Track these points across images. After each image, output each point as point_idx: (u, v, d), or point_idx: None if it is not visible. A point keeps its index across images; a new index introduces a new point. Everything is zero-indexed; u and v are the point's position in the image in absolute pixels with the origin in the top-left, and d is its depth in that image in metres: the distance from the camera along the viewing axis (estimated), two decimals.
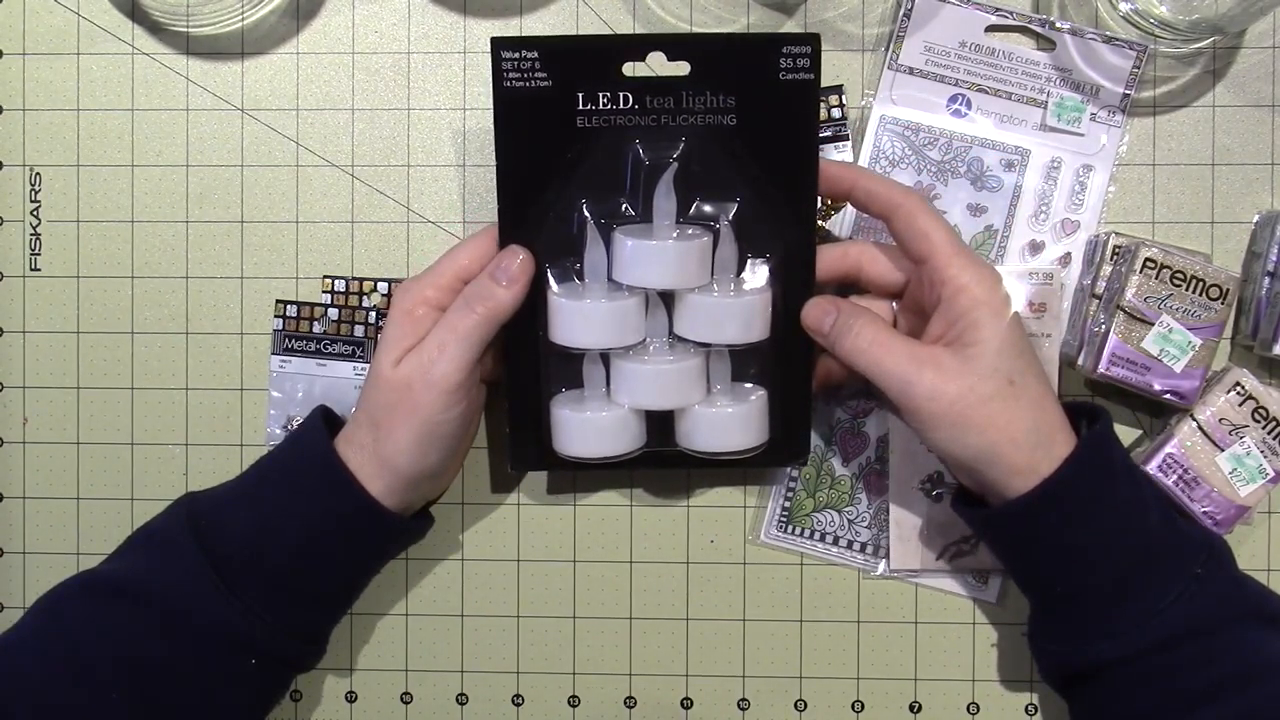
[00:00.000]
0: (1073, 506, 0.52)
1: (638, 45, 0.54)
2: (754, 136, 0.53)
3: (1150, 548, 0.53)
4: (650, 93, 0.53)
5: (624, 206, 0.55)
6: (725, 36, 0.53)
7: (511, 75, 0.51)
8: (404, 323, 0.54)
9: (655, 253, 0.53)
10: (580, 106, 0.52)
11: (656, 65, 0.54)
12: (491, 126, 0.52)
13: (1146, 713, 0.53)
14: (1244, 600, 0.54)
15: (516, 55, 0.51)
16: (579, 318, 0.54)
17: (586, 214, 0.54)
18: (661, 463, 0.58)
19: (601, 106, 0.52)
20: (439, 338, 0.53)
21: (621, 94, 0.52)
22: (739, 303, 0.54)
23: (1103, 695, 0.54)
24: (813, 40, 0.52)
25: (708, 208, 0.55)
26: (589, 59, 0.52)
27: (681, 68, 0.53)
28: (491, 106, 0.52)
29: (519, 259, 0.54)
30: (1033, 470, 0.52)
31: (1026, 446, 0.52)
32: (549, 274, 0.55)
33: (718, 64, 0.52)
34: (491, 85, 0.52)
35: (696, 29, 0.62)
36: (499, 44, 0.51)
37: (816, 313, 0.55)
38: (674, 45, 0.53)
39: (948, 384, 0.52)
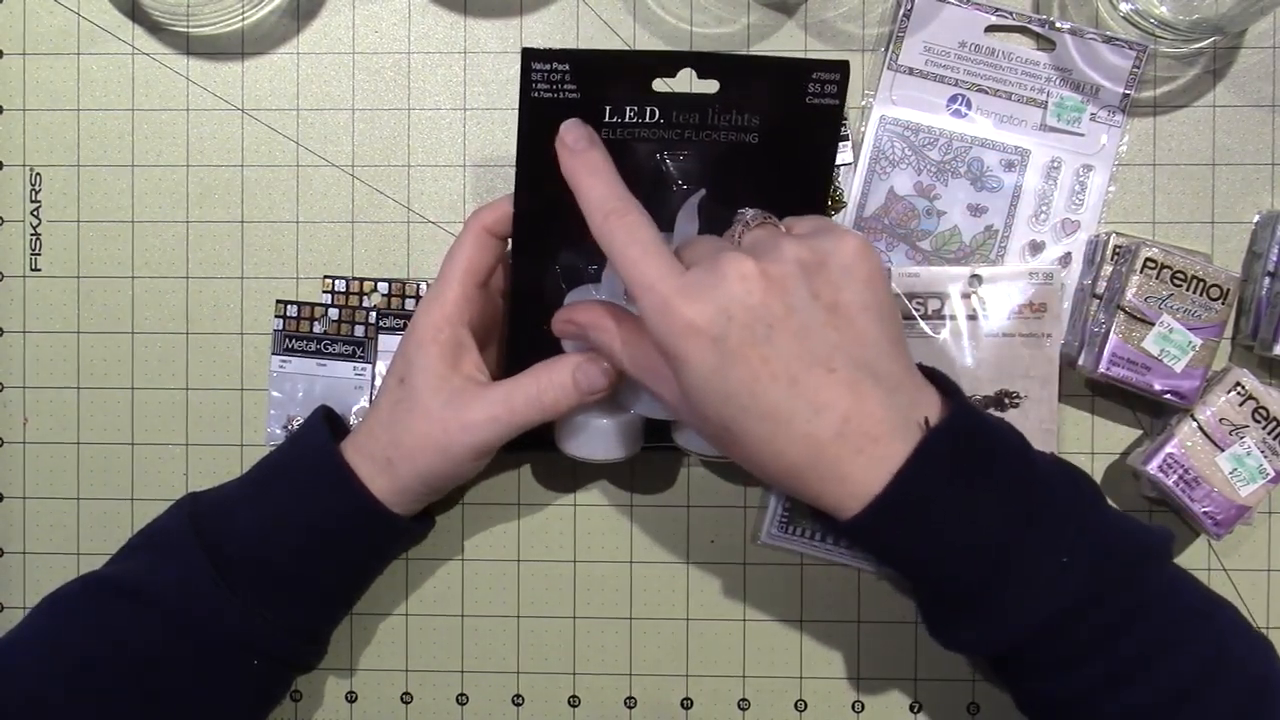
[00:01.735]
0: (903, 528, 0.47)
1: (670, 62, 0.53)
2: (773, 156, 0.54)
3: (1006, 548, 0.47)
4: (677, 109, 0.53)
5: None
6: (757, 59, 0.53)
7: (541, 86, 0.51)
8: (433, 346, 0.54)
9: None
10: (606, 119, 0.52)
11: (682, 80, 0.53)
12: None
13: (1068, 696, 0.49)
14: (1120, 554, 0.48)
15: (547, 67, 0.51)
16: None
17: None
18: (654, 451, 0.59)
19: (627, 120, 0.52)
20: (492, 409, 0.53)
21: (649, 108, 0.52)
22: None
23: (1019, 676, 0.51)
24: (842, 68, 0.52)
25: (720, 225, 0.55)
26: (621, 74, 0.52)
27: (709, 85, 0.53)
28: (514, 111, 0.52)
29: (604, 375, 0.53)
30: (836, 499, 0.47)
31: (810, 480, 0.47)
32: (559, 277, 0.56)
33: (747, 84, 0.53)
34: (519, 94, 0.51)
35: (697, 29, 0.62)
36: (530, 55, 0.51)
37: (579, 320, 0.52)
38: (705, 63, 0.53)
39: (678, 412, 0.50)
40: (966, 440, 0.47)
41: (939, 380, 0.50)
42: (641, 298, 0.47)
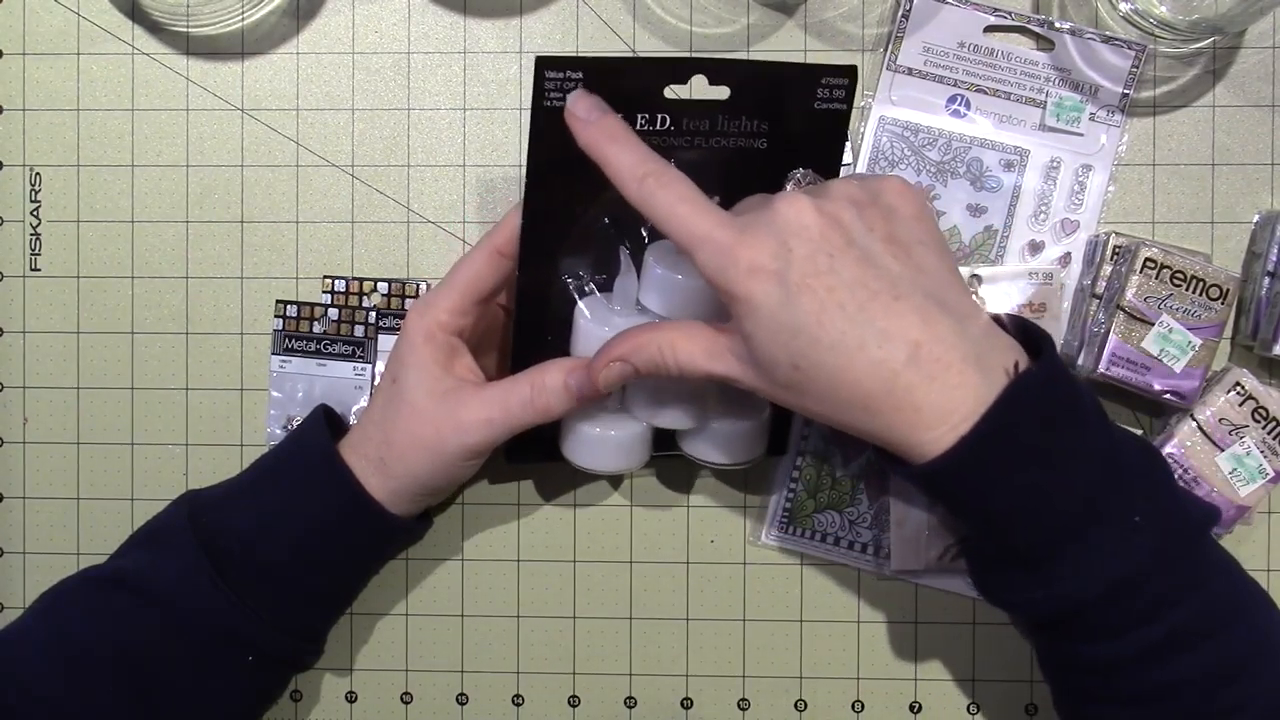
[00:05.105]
0: (981, 475, 0.46)
1: (682, 68, 0.53)
2: (780, 160, 0.54)
3: (1086, 500, 0.46)
4: (688, 116, 0.52)
5: (649, 226, 0.55)
6: (768, 65, 0.53)
7: (554, 95, 0.51)
8: (426, 348, 0.54)
9: (685, 287, 0.53)
10: None
11: (693, 88, 0.53)
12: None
13: (1109, 663, 0.48)
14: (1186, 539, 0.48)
15: (560, 75, 0.50)
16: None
17: (616, 241, 0.54)
18: (659, 458, 0.59)
19: (639, 128, 0.52)
20: (487, 411, 0.53)
21: (660, 115, 0.52)
22: None
23: (1063, 640, 0.49)
24: (850, 73, 0.52)
25: None
26: (634, 81, 0.52)
27: (719, 91, 0.53)
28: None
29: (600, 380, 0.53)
30: (909, 434, 0.46)
31: (885, 410, 0.46)
32: (566, 288, 0.56)
33: (758, 90, 0.52)
34: (531, 103, 0.51)
35: (697, 29, 0.62)
36: (544, 63, 0.50)
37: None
38: (717, 70, 0.52)
39: (741, 374, 0.48)
40: (1057, 388, 0.46)
41: (1029, 330, 0.49)
42: (699, 250, 0.46)
